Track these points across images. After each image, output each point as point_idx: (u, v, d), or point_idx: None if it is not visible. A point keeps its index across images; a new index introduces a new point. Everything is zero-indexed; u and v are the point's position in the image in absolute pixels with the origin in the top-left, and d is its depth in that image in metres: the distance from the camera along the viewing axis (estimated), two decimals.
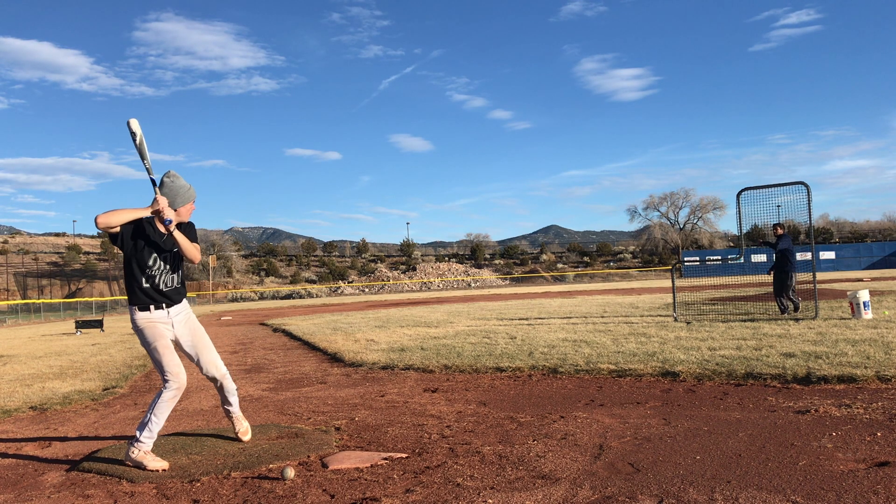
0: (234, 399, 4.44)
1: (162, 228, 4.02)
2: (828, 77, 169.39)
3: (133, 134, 4.02)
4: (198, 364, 4.28)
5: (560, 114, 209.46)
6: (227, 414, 4.50)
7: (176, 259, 4.14)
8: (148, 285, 4.03)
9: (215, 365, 4.30)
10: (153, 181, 4.05)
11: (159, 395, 4.02)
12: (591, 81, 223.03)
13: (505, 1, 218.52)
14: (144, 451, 3.95)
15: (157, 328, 4.04)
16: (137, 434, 3.98)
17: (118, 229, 3.94)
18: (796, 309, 11.68)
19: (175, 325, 4.13)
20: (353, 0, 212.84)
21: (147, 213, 3.98)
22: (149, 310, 4.04)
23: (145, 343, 4.05)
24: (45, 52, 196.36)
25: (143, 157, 4.07)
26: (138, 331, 4.06)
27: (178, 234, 3.98)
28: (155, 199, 3.97)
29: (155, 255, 4.03)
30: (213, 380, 4.33)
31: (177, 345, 4.19)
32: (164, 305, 4.08)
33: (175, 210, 4.07)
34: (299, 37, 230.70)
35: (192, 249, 4.04)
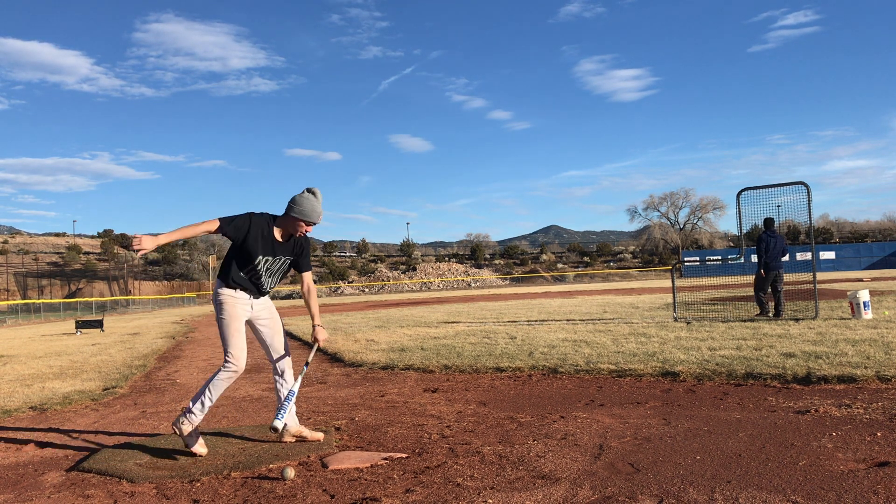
0: (292, 392, 4.34)
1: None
2: (826, 78, 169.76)
3: None
4: (269, 346, 4.39)
5: (559, 114, 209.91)
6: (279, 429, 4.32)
7: (278, 272, 4.31)
8: (244, 276, 4.19)
9: (286, 346, 4.47)
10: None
11: (217, 373, 4.13)
12: (590, 82, 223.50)
13: (503, 2, 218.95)
14: (193, 422, 4.03)
15: (237, 307, 4.17)
16: (191, 405, 4.07)
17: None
18: (778, 314, 11.11)
19: (254, 306, 4.28)
20: (352, 2, 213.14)
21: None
22: (235, 290, 4.18)
23: (221, 317, 4.16)
24: (45, 52, 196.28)
25: None
26: (218, 304, 4.17)
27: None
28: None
29: (261, 258, 4.18)
30: (281, 365, 4.42)
31: (252, 325, 4.32)
32: (251, 294, 4.24)
33: (311, 225, 4.21)
34: (299, 38, 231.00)
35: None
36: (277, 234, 4.18)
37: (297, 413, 5.54)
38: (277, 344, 4.42)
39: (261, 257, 4.15)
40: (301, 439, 4.40)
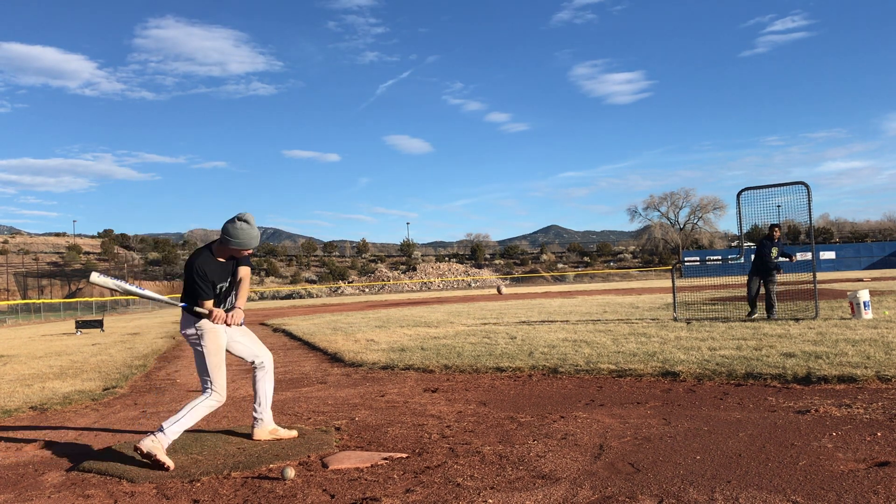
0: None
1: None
2: (817, 81, 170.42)
3: (112, 291, 4.25)
4: (249, 354, 4.51)
5: (555, 116, 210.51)
6: (257, 421, 4.57)
7: (232, 288, 4.44)
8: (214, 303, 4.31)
9: (265, 350, 4.63)
10: (185, 307, 4.23)
11: (201, 400, 4.16)
12: (584, 86, 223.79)
13: (495, 10, 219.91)
14: (163, 444, 3.97)
15: (219, 338, 4.27)
16: (164, 426, 4.02)
17: None
18: (770, 313, 11.42)
19: (227, 329, 4.39)
20: (348, 9, 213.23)
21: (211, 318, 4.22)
22: None
23: (204, 348, 4.22)
24: (48, 57, 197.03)
25: (153, 299, 4.37)
26: (199, 335, 4.22)
27: (239, 313, 4.33)
28: (211, 312, 4.18)
29: (219, 286, 4.29)
30: (262, 362, 4.56)
31: (229, 346, 4.41)
32: None
33: (245, 252, 4.31)
34: (297, 43, 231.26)
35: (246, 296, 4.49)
36: (221, 258, 4.28)
37: (298, 412, 5.54)
38: (257, 350, 4.57)
39: (219, 285, 4.27)
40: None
